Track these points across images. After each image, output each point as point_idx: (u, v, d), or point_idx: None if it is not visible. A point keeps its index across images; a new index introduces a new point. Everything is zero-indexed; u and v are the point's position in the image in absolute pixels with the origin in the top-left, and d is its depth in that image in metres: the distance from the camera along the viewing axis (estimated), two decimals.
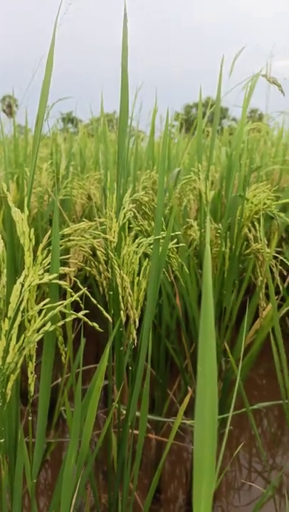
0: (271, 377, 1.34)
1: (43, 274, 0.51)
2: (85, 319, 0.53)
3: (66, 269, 0.54)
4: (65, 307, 0.52)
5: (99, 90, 1.16)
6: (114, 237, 0.63)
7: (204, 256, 0.29)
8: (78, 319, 0.52)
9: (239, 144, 0.88)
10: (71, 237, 0.60)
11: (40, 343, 0.52)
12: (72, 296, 0.52)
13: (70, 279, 0.61)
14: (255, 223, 0.91)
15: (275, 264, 0.86)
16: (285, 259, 0.92)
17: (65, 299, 0.52)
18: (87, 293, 0.57)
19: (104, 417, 1.22)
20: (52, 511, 0.57)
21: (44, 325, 0.50)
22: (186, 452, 1.15)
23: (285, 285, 0.94)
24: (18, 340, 0.48)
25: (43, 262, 0.52)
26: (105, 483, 1.01)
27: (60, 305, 0.50)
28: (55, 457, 1.12)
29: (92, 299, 0.59)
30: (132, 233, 0.69)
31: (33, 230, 0.51)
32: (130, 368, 0.69)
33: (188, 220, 1.00)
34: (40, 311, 0.51)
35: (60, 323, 0.51)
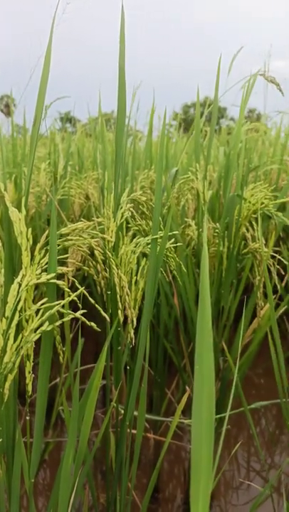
0: (269, 377, 1.35)
1: (40, 273, 0.51)
2: (83, 319, 0.53)
3: (64, 269, 0.54)
4: (63, 307, 0.52)
5: (97, 90, 1.15)
6: (112, 237, 0.63)
7: (202, 255, 0.29)
8: (77, 319, 0.52)
9: (237, 143, 0.88)
10: (69, 237, 0.60)
11: (38, 342, 0.52)
12: (70, 295, 0.52)
13: (68, 279, 0.61)
14: (253, 223, 0.91)
15: (273, 264, 0.86)
16: (282, 259, 0.92)
17: (63, 299, 0.52)
18: (85, 292, 0.57)
19: (103, 416, 1.22)
20: (50, 511, 0.57)
21: (42, 325, 0.50)
22: (184, 451, 1.15)
23: (283, 284, 0.94)
24: (15, 340, 0.48)
25: (41, 261, 0.52)
26: (103, 482, 1.01)
27: (57, 305, 0.50)
28: (53, 457, 1.12)
29: (90, 299, 0.59)
30: (130, 233, 0.69)
31: (30, 229, 0.51)
32: (128, 367, 0.69)
33: (186, 219, 1.00)
34: (37, 311, 0.51)
35: (57, 323, 0.51)
